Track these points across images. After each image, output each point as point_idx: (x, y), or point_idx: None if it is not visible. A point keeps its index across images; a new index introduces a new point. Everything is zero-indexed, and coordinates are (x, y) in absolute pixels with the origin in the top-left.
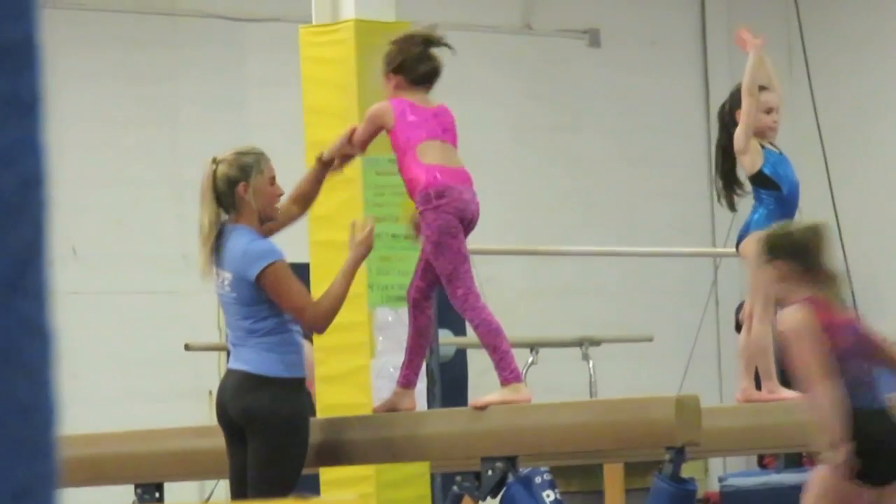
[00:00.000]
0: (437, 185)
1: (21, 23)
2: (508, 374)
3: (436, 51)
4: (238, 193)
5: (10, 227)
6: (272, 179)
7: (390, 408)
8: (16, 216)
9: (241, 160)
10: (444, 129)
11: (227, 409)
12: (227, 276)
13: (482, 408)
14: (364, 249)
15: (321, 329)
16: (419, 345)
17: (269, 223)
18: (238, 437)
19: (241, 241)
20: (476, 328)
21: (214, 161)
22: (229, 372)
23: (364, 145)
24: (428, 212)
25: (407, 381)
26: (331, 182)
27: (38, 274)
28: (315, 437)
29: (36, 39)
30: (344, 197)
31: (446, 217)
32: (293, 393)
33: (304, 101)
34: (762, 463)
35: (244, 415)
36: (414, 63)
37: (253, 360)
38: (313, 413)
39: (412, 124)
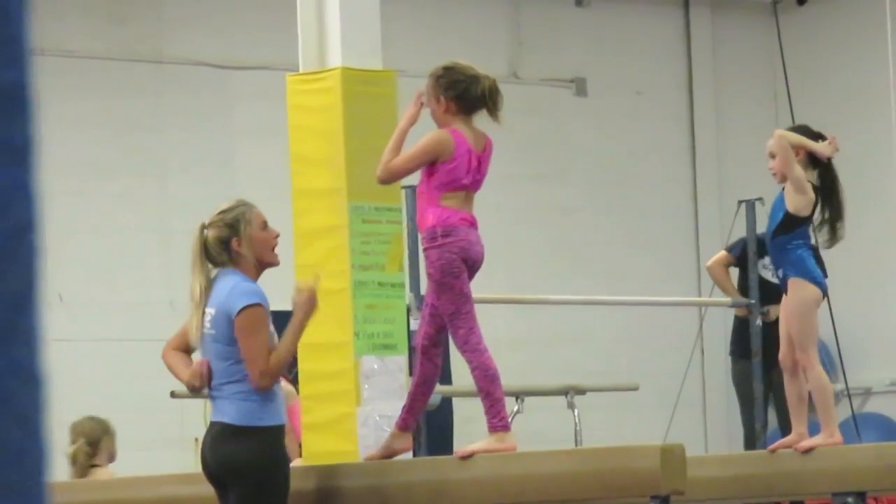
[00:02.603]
0: (444, 224)
1: (14, 68)
2: (497, 421)
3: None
4: (233, 249)
5: (2, 273)
6: (263, 224)
7: (385, 450)
8: (8, 262)
9: (227, 218)
10: (478, 180)
11: (207, 461)
12: (211, 311)
13: (467, 456)
14: (306, 311)
15: (263, 386)
16: (422, 392)
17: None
18: (223, 489)
19: (231, 280)
20: (473, 370)
21: (203, 227)
22: (211, 424)
23: (407, 170)
24: (432, 250)
25: (405, 425)
26: (317, 230)
27: (31, 320)
28: (301, 484)
29: (29, 84)
30: (330, 245)
31: (450, 256)
32: (272, 442)
33: (291, 148)
34: None
35: (223, 466)
36: (469, 91)
37: (231, 411)
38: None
39: (460, 171)
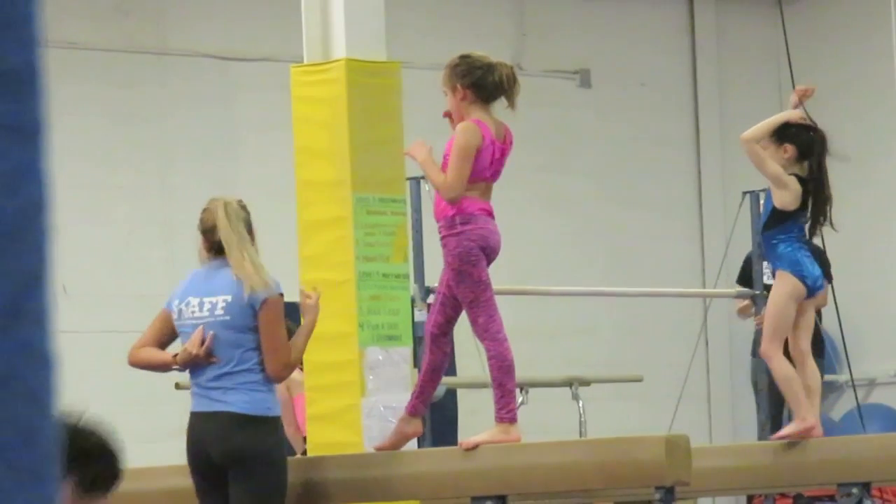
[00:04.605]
0: (464, 212)
1: (23, 50)
2: (505, 413)
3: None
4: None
5: (12, 252)
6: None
7: (396, 435)
8: (18, 242)
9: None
10: (498, 170)
11: (209, 452)
12: (222, 298)
13: (472, 447)
14: (316, 313)
15: (283, 377)
16: (432, 379)
17: None
18: (215, 481)
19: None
20: (489, 359)
21: (239, 201)
22: (212, 414)
23: (466, 175)
24: (450, 237)
25: (415, 410)
26: (321, 222)
27: (40, 300)
28: (305, 475)
29: (38, 67)
30: (334, 236)
31: (468, 244)
32: (280, 431)
33: (295, 140)
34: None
35: (234, 455)
36: (486, 79)
37: (240, 401)
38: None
39: (484, 164)
